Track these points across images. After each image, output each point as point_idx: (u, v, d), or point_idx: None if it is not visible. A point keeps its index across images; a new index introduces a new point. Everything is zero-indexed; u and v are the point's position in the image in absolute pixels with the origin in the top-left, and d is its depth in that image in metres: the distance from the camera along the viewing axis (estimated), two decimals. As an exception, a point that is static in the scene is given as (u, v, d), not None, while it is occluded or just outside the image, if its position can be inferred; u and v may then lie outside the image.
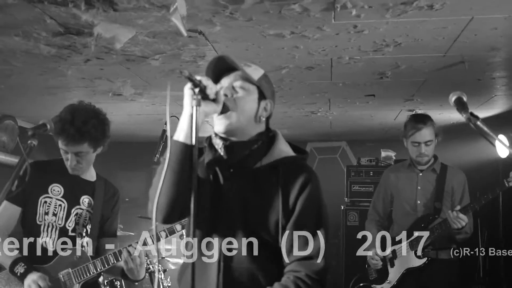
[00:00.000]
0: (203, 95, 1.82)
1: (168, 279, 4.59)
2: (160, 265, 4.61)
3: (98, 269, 2.92)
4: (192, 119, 1.80)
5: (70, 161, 2.94)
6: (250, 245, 1.96)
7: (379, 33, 3.09)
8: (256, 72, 2.04)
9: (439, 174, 3.89)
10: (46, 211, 2.97)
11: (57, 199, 3.00)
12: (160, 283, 4.45)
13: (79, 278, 2.91)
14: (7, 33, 3.06)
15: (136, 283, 4.25)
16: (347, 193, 5.82)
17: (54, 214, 2.98)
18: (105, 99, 4.74)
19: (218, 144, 2.02)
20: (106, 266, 2.92)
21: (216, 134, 2.05)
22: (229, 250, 1.97)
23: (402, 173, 4.04)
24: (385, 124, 6.19)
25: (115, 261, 2.92)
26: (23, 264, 2.86)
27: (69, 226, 2.99)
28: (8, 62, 3.66)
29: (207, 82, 1.83)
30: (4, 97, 4.89)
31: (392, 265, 3.90)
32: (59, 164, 3.09)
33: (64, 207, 3.00)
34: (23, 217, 3.03)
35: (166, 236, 3.00)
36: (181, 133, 1.88)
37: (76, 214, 3.01)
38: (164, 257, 5.39)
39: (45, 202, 2.98)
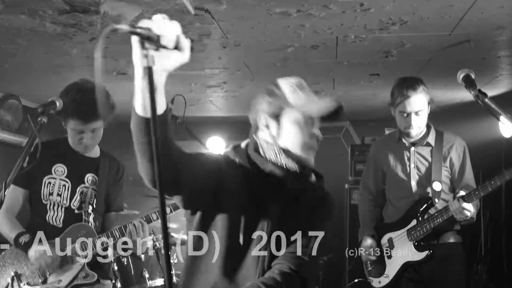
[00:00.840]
0: (158, 47, 1.33)
1: (174, 256, 4.63)
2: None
3: (104, 244, 2.96)
4: (144, 82, 1.41)
5: (86, 139, 2.97)
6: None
7: (386, 11, 3.07)
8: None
9: (435, 147, 3.37)
10: (51, 191, 3.00)
11: (61, 179, 3.03)
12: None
13: (85, 253, 2.95)
14: (13, 12, 3.05)
15: (141, 258, 4.32)
16: (351, 172, 5.84)
17: (59, 194, 3.01)
18: (109, 78, 4.73)
19: (292, 167, 1.96)
20: (112, 240, 2.97)
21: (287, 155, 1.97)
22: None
23: (391, 148, 3.53)
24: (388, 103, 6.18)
25: (120, 236, 2.96)
26: (28, 235, 2.90)
27: (74, 206, 3.02)
28: (13, 41, 3.65)
29: (160, 28, 1.34)
30: (8, 76, 4.89)
31: (390, 257, 3.45)
32: (62, 143, 3.11)
33: (68, 187, 3.03)
34: (30, 197, 3.06)
35: (157, 218, 3.02)
36: (138, 104, 1.50)
37: (81, 192, 3.05)
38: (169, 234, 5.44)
39: (49, 183, 3.01)
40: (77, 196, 3.04)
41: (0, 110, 5.56)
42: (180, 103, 3.19)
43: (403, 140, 3.44)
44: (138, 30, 1.30)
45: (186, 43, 1.39)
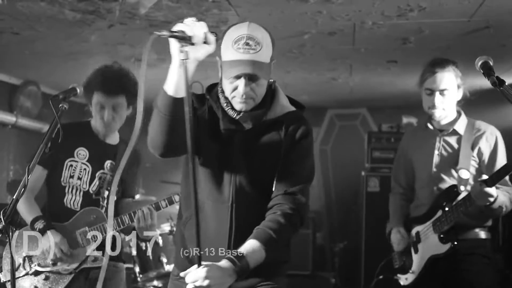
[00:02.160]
0: (191, 43, 1.82)
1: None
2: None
3: (114, 229, 2.99)
4: (180, 71, 1.83)
5: (107, 115, 3.01)
6: (257, 190, 2.15)
7: (404, -2, 3.06)
8: (267, 51, 2.06)
9: (464, 135, 3.15)
10: (72, 174, 3.05)
11: (82, 163, 3.07)
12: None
13: (96, 237, 2.99)
14: (32, -1, 3.09)
15: (159, 244, 4.36)
16: (368, 159, 5.82)
17: (79, 178, 3.05)
18: (127, 65, 4.73)
19: (232, 114, 2.13)
20: (121, 226, 3.01)
21: (227, 103, 2.13)
22: (239, 194, 2.14)
23: (419, 137, 3.39)
24: (406, 90, 6.14)
25: (129, 222, 3.01)
26: (42, 221, 2.95)
27: (92, 191, 3.07)
28: (33, 28, 3.70)
29: (191, 29, 1.82)
30: (27, 63, 4.95)
31: (416, 251, 3.28)
32: (85, 126, 3.17)
33: (89, 171, 3.07)
34: (48, 179, 3.11)
35: (166, 206, 3.06)
36: (171, 85, 1.89)
37: (100, 178, 3.09)
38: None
39: (71, 165, 3.06)
40: (96, 181, 3.08)
41: (20, 96, 5.63)
42: (197, 90, 3.21)
43: (430, 127, 3.27)
44: (176, 34, 1.76)
45: (212, 38, 1.86)
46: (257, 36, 2.03)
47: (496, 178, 2.85)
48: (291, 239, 2.22)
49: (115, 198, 3.19)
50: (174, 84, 1.88)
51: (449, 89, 3.10)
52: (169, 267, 4.33)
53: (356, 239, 6.11)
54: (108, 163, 3.13)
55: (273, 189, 2.16)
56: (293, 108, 2.21)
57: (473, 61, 1.97)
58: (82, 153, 3.09)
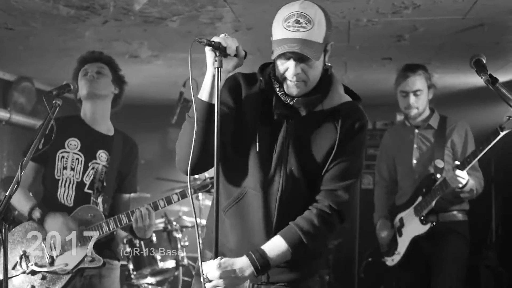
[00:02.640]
0: (225, 54, 1.94)
1: (186, 238, 4.69)
2: (178, 225, 4.70)
3: (111, 229, 2.99)
4: (214, 79, 1.93)
5: (90, 74, 3.13)
6: (307, 182, 2.09)
7: (398, -5, 3.07)
8: (320, 30, 1.97)
9: (438, 130, 3.62)
10: (64, 165, 3.04)
11: (74, 153, 3.07)
12: (178, 242, 4.55)
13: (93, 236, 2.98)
14: (26, -6, 3.08)
15: (153, 241, 4.36)
16: (362, 156, 5.83)
17: (72, 169, 3.05)
18: (121, 61, 4.71)
19: (285, 99, 2.06)
20: (119, 225, 3.00)
21: (279, 88, 2.06)
22: (288, 185, 2.07)
23: (398, 133, 3.83)
24: (401, 88, 6.16)
25: (127, 221, 3.00)
26: (38, 209, 2.96)
27: (86, 181, 3.05)
28: (27, 23, 3.68)
29: (226, 42, 1.93)
30: (21, 59, 4.93)
31: (400, 235, 3.69)
32: (75, 119, 3.17)
33: (81, 161, 3.06)
34: (43, 175, 3.10)
35: (164, 205, 3.05)
36: (204, 92, 1.98)
37: (93, 168, 3.08)
38: (180, 217, 5.50)
39: (63, 157, 3.05)
40: (89, 171, 3.07)
41: (14, 92, 5.61)
42: (192, 86, 3.20)
43: (407, 124, 3.73)
44: (213, 43, 1.90)
45: (242, 52, 2.00)
46: (309, 14, 1.94)
47: (466, 163, 3.28)
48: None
49: (112, 194, 3.19)
50: (208, 90, 1.97)
51: (422, 89, 3.57)
52: (162, 264, 4.33)
53: (350, 236, 6.13)
54: (101, 153, 3.12)
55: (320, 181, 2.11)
56: (349, 98, 2.14)
57: (467, 58, 1.98)
58: (73, 143, 3.08)
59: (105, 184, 3.10)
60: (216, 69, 1.91)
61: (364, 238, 5.66)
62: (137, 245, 4.26)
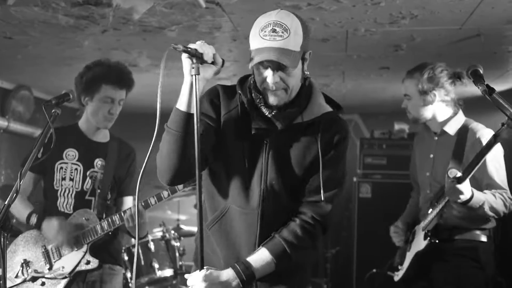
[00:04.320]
0: (201, 61, 1.90)
1: (184, 247, 4.68)
2: (175, 233, 4.69)
3: (105, 230, 3.02)
4: (192, 87, 1.89)
5: (116, 109, 3.07)
6: (288, 196, 2.08)
7: (396, 5, 3.08)
8: (297, 38, 1.96)
9: (458, 138, 3.16)
10: (63, 176, 3.07)
11: (72, 163, 3.09)
12: (176, 250, 4.54)
13: (87, 239, 3.01)
14: (26, 3, 3.08)
15: (150, 249, 4.35)
16: (360, 165, 5.83)
17: (71, 179, 3.07)
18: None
19: (265, 111, 2.06)
20: (112, 226, 3.03)
21: (260, 98, 2.05)
22: (269, 200, 2.06)
23: (422, 139, 3.51)
24: (398, 97, 6.16)
25: (120, 222, 3.02)
26: (35, 215, 2.98)
27: (86, 188, 3.08)
28: (26, 33, 3.69)
29: (202, 48, 1.89)
30: (20, 67, 4.94)
31: (409, 249, 3.38)
32: (72, 129, 3.18)
33: (80, 171, 3.09)
34: (44, 185, 3.12)
35: (155, 203, 3.08)
36: (182, 101, 1.94)
37: (91, 176, 3.10)
38: (178, 225, 5.49)
39: (61, 168, 3.08)
40: (88, 180, 3.09)
41: (12, 101, 5.61)
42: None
43: (428, 128, 3.35)
44: (189, 49, 1.85)
45: (219, 60, 1.95)
46: (286, 23, 1.94)
47: (465, 175, 2.77)
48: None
49: (109, 197, 3.19)
50: (186, 100, 1.92)
51: (410, 95, 3.24)
52: (160, 273, 4.32)
53: (348, 245, 6.12)
54: (98, 161, 3.13)
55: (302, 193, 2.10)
56: (330, 108, 2.10)
57: (464, 68, 2.00)
58: (71, 153, 3.10)
59: (100, 189, 3.12)
60: (194, 76, 1.87)
61: (362, 246, 5.65)
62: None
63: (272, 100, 2.00)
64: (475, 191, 2.91)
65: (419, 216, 3.45)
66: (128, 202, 3.30)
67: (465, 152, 3.11)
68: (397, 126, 5.93)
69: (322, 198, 2.05)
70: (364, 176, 5.77)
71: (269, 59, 1.91)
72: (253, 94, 2.08)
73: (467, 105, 3.52)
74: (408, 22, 3.36)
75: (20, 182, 2.15)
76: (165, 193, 3.07)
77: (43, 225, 2.98)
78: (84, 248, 3.01)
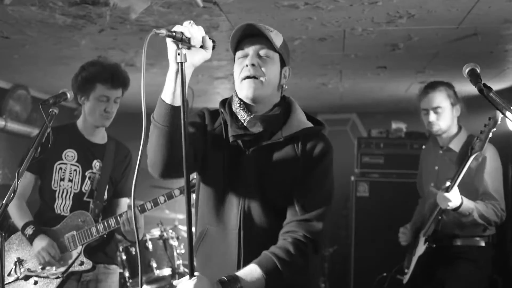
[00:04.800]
0: (188, 46, 1.74)
1: (182, 246, 4.68)
2: (174, 233, 4.70)
3: (100, 232, 3.02)
4: (178, 76, 1.73)
5: (111, 107, 3.07)
6: (268, 213, 2.00)
7: (393, 5, 3.08)
8: (278, 38, 2.02)
9: (460, 152, 3.39)
10: (62, 177, 3.07)
11: (71, 164, 3.09)
12: (174, 250, 4.54)
13: (82, 241, 3.01)
14: (23, 3, 3.08)
15: (148, 248, 4.35)
16: (357, 164, 5.84)
17: (70, 180, 3.07)
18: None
19: (243, 115, 2.00)
20: (108, 229, 3.02)
21: (240, 104, 2.02)
22: (247, 219, 1.99)
23: (428, 149, 3.74)
24: (396, 96, 6.20)
25: (115, 225, 3.02)
26: (32, 227, 2.99)
27: (85, 190, 3.08)
28: (23, 32, 3.69)
29: (190, 31, 1.73)
30: (17, 67, 4.93)
31: (414, 254, 3.60)
32: (71, 129, 3.18)
33: (79, 172, 3.09)
34: (41, 185, 3.12)
35: (152, 207, 3.06)
36: (168, 93, 1.80)
37: (89, 177, 3.11)
38: (176, 225, 5.49)
39: (60, 168, 3.08)
40: (86, 181, 3.10)
41: (9, 100, 5.61)
42: (187, 95, 3.22)
43: (436, 142, 3.58)
44: (174, 34, 1.67)
45: (209, 43, 1.80)
46: (266, 26, 2.01)
47: (452, 185, 3.12)
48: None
49: (105, 198, 3.19)
50: (171, 91, 1.78)
51: (442, 106, 3.40)
52: (159, 272, 4.32)
53: (345, 243, 6.13)
54: (96, 163, 3.14)
55: (287, 213, 2.00)
56: (310, 125, 2.06)
57: (462, 67, 1.99)
58: (70, 154, 3.10)
59: (97, 190, 3.12)
60: (180, 64, 1.70)
61: (360, 245, 5.66)
62: (133, 252, 4.26)
63: (246, 89, 1.96)
64: (465, 199, 3.18)
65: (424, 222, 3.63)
66: (124, 203, 3.30)
67: (464, 166, 3.19)
68: (394, 125, 5.94)
69: (312, 217, 1.97)
70: (362, 175, 5.78)
71: (250, 32, 1.96)
72: (232, 103, 2.05)
73: (464, 104, 3.56)
74: (405, 21, 3.36)
75: (17, 182, 2.15)
76: (161, 199, 3.06)
77: (35, 241, 2.96)
78: (79, 249, 3.01)
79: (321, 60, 4.52)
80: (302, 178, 1.99)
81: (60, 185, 3.06)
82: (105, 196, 3.17)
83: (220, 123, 2.07)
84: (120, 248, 4.23)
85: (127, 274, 4.27)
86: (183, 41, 1.70)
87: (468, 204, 3.20)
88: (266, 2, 3.06)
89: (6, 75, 5.37)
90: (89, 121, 3.13)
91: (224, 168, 2.01)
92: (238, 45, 2.03)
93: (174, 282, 1.91)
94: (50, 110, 2.44)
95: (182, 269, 4.54)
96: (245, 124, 1.99)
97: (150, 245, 4.36)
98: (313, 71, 4.96)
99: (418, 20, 3.35)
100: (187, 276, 1.81)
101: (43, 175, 3.11)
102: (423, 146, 4.75)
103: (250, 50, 1.99)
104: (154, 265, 4.30)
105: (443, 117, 3.42)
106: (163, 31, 1.66)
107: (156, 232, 4.67)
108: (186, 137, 1.69)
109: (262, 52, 1.99)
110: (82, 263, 2.99)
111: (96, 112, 3.08)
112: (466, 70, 1.95)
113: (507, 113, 1.80)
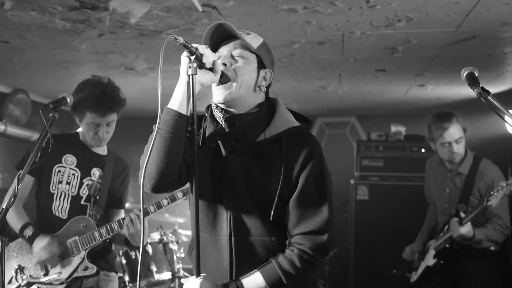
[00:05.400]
0: (200, 63, 1.83)
1: (181, 250, 4.68)
2: (173, 237, 4.70)
3: (103, 237, 3.02)
4: (187, 88, 1.83)
5: (102, 132, 3.07)
6: (258, 218, 1.96)
7: (392, 8, 3.09)
8: (255, 40, 2.02)
9: (468, 175, 3.68)
10: (60, 179, 3.08)
11: (70, 168, 3.11)
12: (174, 254, 4.54)
13: (85, 246, 3.01)
14: (23, 7, 3.09)
15: (148, 252, 4.34)
16: (357, 167, 5.85)
17: (68, 183, 3.08)
18: (117, 73, 4.77)
19: (219, 116, 1.99)
20: (111, 233, 3.02)
21: (216, 106, 2.02)
22: (237, 224, 1.97)
23: (436, 170, 3.95)
24: (395, 99, 6.21)
25: (118, 229, 3.03)
26: (31, 228, 2.98)
27: (82, 194, 3.09)
28: (23, 37, 3.69)
29: (203, 50, 1.83)
30: (17, 71, 4.94)
31: (423, 258, 3.91)
32: (73, 137, 3.20)
33: (78, 176, 3.10)
34: (37, 188, 3.12)
35: (155, 210, 3.07)
36: (175, 102, 1.87)
37: (88, 184, 3.12)
38: (176, 229, 5.49)
39: (59, 171, 3.09)
40: (84, 187, 3.12)
41: (9, 104, 5.61)
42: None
43: (444, 165, 3.81)
44: (190, 46, 1.78)
45: (219, 68, 1.88)
46: (245, 30, 2.02)
47: (466, 219, 3.43)
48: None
49: (104, 207, 3.21)
50: (178, 100, 1.86)
51: (462, 136, 3.64)
52: (158, 276, 4.32)
53: (345, 246, 6.13)
54: (95, 171, 3.15)
55: (289, 223, 1.96)
56: (296, 123, 2.02)
57: (460, 70, 2.00)
58: (70, 159, 3.12)
59: (98, 198, 3.14)
60: (191, 76, 1.81)
61: (360, 248, 5.66)
62: (133, 256, 4.26)
63: (217, 95, 1.95)
64: (476, 232, 3.46)
65: (436, 229, 3.95)
66: (121, 215, 3.30)
67: (472, 189, 3.63)
68: (393, 128, 5.95)
69: (316, 228, 1.94)
70: (361, 178, 5.78)
71: (226, 36, 1.95)
72: (212, 105, 2.06)
73: (463, 107, 3.64)
74: (404, 24, 3.37)
75: (18, 186, 2.16)
76: (164, 201, 3.08)
77: (35, 242, 2.96)
78: (82, 254, 3.01)
79: (320, 64, 4.53)
80: (299, 190, 1.95)
81: (58, 188, 3.07)
82: (104, 205, 3.19)
83: (204, 128, 2.06)
84: (120, 252, 4.23)
85: (127, 278, 4.26)
86: (196, 56, 1.80)
87: (479, 235, 3.48)
88: (265, 6, 3.07)
89: (6, 79, 5.38)
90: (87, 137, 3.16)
91: (209, 174, 2.00)
92: (216, 50, 2.02)
93: (182, 280, 1.93)
94: (50, 114, 2.44)
95: (182, 273, 4.54)
96: (222, 125, 1.99)
97: (149, 249, 4.35)
98: (312, 75, 4.97)
99: (416, 24, 3.36)
100: (194, 276, 1.86)
101: (41, 178, 3.11)
102: (422, 150, 5.04)
103: (224, 51, 1.99)
104: (154, 269, 4.29)
105: (462, 145, 3.65)
106: (181, 38, 1.76)
107: (156, 236, 4.66)
108: (195, 145, 1.80)
109: (236, 52, 1.98)
110: (86, 268, 2.99)
111: (90, 135, 3.11)
112: (464, 73, 1.96)
113: (506, 117, 1.81)
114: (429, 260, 3.78)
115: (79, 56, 4.23)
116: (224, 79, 1.93)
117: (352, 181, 5.90)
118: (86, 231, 3.03)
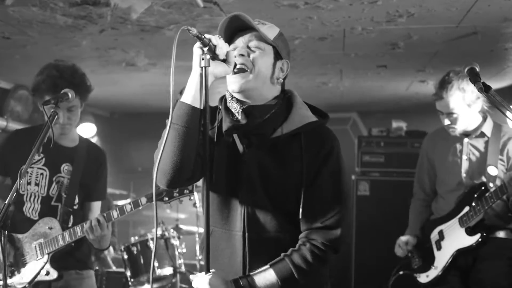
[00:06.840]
0: (213, 54, 1.79)
1: (183, 245, 4.70)
2: (175, 232, 4.71)
3: (66, 241, 2.91)
4: (200, 80, 1.78)
5: (62, 119, 2.90)
6: (273, 214, 1.94)
7: (393, 4, 3.09)
8: (271, 31, 1.98)
9: (491, 138, 3.23)
10: (28, 181, 2.98)
11: (38, 168, 3.00)
12: (175, 249, 4.56)
13: (48, 249, 2.92)
14: (24, 3, 3.09)
15: (150, 248, 4.34)
16: (358, 163, 5.84)
17: (36, 184, 2.98)
18: (118, 69, 4.78)
19: (235, 108, 1.96)
20: (74, 238, 2.90)
21: (232, 97, 1.98)
22: (251, 220, 1.94)
23: (443, 140, 3.47)
24: (396, 95, 6.21)
25: (81, 234, 2.90)
26: None
27: (52, 194, 2.99)
28: (24, 33, 3.70)
29: (217, 41, 1.80)
30: (18, 67, 4.94)
31: (439, 248, 3.36)
32: (38, 131, 3.10)
33: (46, 175, 3.00)
34: (9, 186, 3.02)
35: (118, 216, 2.92)
36: (188, 95, 1.83)
37: (58, 182, 3.01)
38: (178, 225, 5.50)
39: (27, 172, 2.95)
40: (54, 185, 3.01)
41: (11, 100, 5.62)
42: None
43: (452, 133, 3.38)
44: (203, 37, 1.75)
45: (232, 59, 1.85)
46: (261, 20, 1.98)
47: None
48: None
49: (76, 202, 3.07)
50: (192, 93, 1.82)
51: (456, 112, 3.22)
52: (160, 271, 4.34)
53: (346, 243, 6.14)
54: (65, 166, 3.05)
55: (302, 218, 1.93)
56: (314, 118, 1.99)
57: (461, 66, 2.01)
58: (37, 158, 2.99)
59: (67, 195, 3.02)
60: (203, 68, 1.77)
61: (360, 244, 5.67)
62: (135, 252, 4.27)
63: (233, 83, 1.92)
64: None
65: (434, 215, 3.49)
66: (96, 207, 3.17)
67: (500, 151, 3.19)
68: (395, 124, 5.94)
69: (330, 223, 1.92)
70: (362, 174, 5.78)
71: (241, 27, 1.92)
72: (226, 96, 2.02)
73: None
74: (405, 20, 3.37)
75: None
76: (128, 207, 2.91)
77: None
78: (45, 258, 2.91)
79: (321, 59, 4.53)
80: (312, 183, 1.93)
81: (27, 189, 2.97)
82: (76, 200, 3.06)
83: (219, 121, 2.03)
84: (122, 248, 4.24)
85: (128, 273, 4.28)
86: (209, 48, 1.76)
87: None
88: (266, 1, 3.07)
89: (7, 75, 5.38)
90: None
91: (225, 168, 1.98)
92: (230, 41, 1.99)
93: (191, 276, 1.91)
94: (52, 110, 2.45)
95: (183, 268, 4.56)
96: (238, 116, 1.95)
97: (151, 244, 4.37)
98: (313, 70, 4.97)
99: (418, 19, 3.36)
100: (203, 272, 1.83)
101: (12, 177, 3.00)
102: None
103: (240, 42, 1.95)
104: (156, 264, 4.31)
105: (459, 120, 3.25)
106: (194, 30, 1.73)
107: (157, 232, 4.68)
108: (207, 139, 1.77)
109: (252, 44, 1.94)
110: (47, 273, 2.90)
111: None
112: (465, 69, 1.96)
113: (507, 112, 1.81)
114: (461, 241, 3.21)
115: (80, 52, 4.23)
116: (240, 70, 1.90)
117: (353, 177, 5.90)
118: (52, 234, 2.93)
